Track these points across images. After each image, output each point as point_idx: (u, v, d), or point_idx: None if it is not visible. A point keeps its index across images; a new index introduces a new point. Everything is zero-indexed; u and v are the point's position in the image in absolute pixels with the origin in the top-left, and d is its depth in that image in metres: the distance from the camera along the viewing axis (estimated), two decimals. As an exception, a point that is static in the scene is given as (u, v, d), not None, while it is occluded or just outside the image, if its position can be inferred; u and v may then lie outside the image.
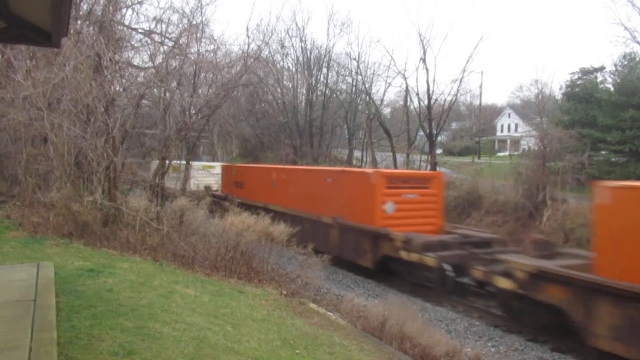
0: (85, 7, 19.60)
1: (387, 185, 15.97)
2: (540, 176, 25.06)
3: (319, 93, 48.95)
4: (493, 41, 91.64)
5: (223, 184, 28.53)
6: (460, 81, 36.21)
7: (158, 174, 16.84)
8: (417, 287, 14.84)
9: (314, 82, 48.56)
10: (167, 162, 20.07)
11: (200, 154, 43.28)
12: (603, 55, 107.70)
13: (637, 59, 36.94)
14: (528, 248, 13.54)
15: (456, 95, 37.60)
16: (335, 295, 13.65)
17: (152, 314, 6.90)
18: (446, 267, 13.53)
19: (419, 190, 16.41)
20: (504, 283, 11.80)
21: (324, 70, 49.04)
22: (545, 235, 17.99)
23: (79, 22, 17.29)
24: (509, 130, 71.44)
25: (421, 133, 39.02)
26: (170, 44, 20.21)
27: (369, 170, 17.10)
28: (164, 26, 21.93)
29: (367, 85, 44.26)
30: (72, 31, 13.92)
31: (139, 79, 18.01)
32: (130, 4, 21.08)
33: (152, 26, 22.17)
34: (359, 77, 44.75)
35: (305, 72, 48.55)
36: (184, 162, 29.41)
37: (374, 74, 45.42)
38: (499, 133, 73.92)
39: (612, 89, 38.01)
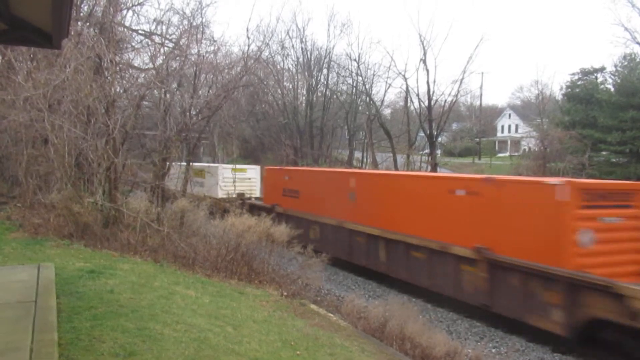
0: (85, 8, 19.64)
1: (583, 204, 10.71)
2: (540, 177, 25.06)
3: (319, 94, 49.03)
4: (493, 42, 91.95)
5: (267, 191, 23.93)
6: (461, 82, 36.35)
7: (159, 175, 16.83)
8: (417, 288, 14.78)
9: (314, 83, 48.65)
10: (187, 164, 21.51)
11: (201, 155, 43.23)
12: (603, 55, 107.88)
13: (638, 60, 36.96)
14: None
15: (456, 96, 37.72)
16: (336, 296, 13.65)
17: (153, 315, 6.91)
18: None
19: (621, 211, 11.18)
20: None
21: (324, 71, 49.18)
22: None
23: (79, 23, 17.30)
24: (509, 131, 71.43)
25: (422, 134, 39.06)
26: (171, 45, 20.20)
27: (551, 179, 11.85)
28: (164, 27, 21.95)
29: (367, 86, 44.38)
30: (72, 33, 13.93)
31: (139, 80, 18.02)
32: (130, 5, 21.11)
33: (153, 27, 22.19)
34: (359, 78, 44.87)
35: (306, 73, 48.62)
36: (212, 164, 28.59)
37: (374, 75, 45.54)
38: (499, 134, 73.91)
39: (612, 89, 38.04)
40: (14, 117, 14.13)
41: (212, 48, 21.84)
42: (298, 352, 7.27)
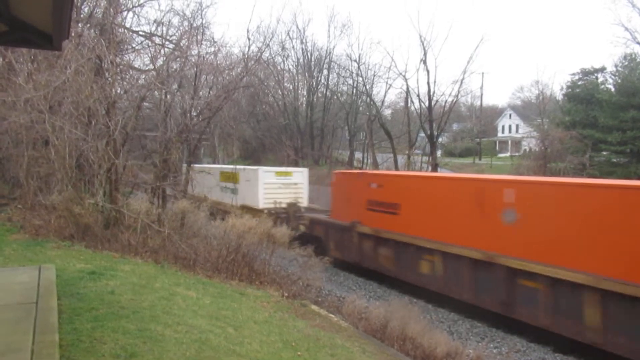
0: (86, 10, 19.65)
1: None
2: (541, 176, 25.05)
3: (319, 95, 49.06)
4: (493, 42, 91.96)
5: (336, 203, 18.47)
6: (461, 82, 36.36)
7: (159, 176, 16.82)
8: (419, 289, 14.79)
9: (314, 83, 48.66)
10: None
11: (201, 156, 43.18)
12: (604, 56, 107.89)
13: (638, 60, 36.94)
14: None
15: (457, 96, 37.72)
16: (336, 297, 13.65)
17: (154, 316, 6.90)
18: None
19: None
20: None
21: (325, 71, 49.19)
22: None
23: (80, 25, 17.32)
24: (510, 131, 71.41)
25: (422, 134, 39.05)
26: (171, 46, 20.22)
27: None
28: (164, 29, 21.97)
29: (367, 87, 44.39)
30: (73, 34, 13.94)
31: (139, 81, 18.02)
32: (131, 6, 21.12)
33: (153, 29, 22.20)
34: (360, 79, 44.86)
35: (306, 73, 48.63)
36: (249, 167, 26.71)
37: (374, 76, 45.54)
38: (499, 134, 73.90)
39: (612, 89, 38.04)
40: (14, 119, 14.14)
41: (213, 49, 21.83)
42: (299, 353, 7.27)
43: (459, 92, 37.51)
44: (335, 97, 49.19)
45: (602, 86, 39.64)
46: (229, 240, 12.43)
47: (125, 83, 17.89)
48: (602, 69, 40.93)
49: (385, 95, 58.51)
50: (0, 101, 15.03)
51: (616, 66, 38.93)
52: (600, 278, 9.52)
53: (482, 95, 60.82)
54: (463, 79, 36.26)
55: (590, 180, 17.22)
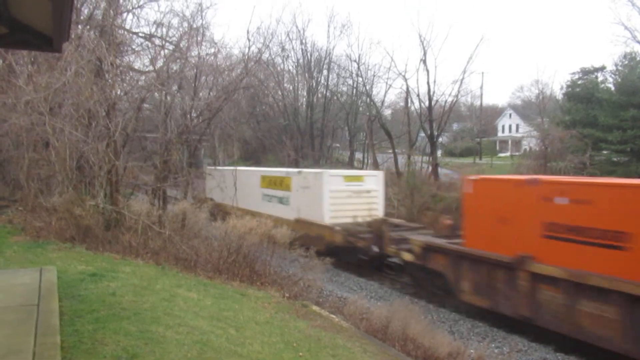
0: (86, 11, 19.66)
1: None
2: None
3: (319, 95, 49.05)
4: (493, 42, 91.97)
5: (477, 223, 12.85)
6: (461, 82, 36.37)
7: (160, 177, 16.83)
8: (420, 289, 14.80)
9: (314, 84, 48.66)
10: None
11: (201, 157, 43.16)
12: (604, 55, 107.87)
13: (638, 59, 36.93)
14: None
15: (457, 96, 37.73)
16: (337, 297, 13.66)
17: (155, 317, 6.90)
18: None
19: None
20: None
21: (325, 72, 49.18)
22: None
23: (79, 26, 17.33)
24: (510, 130, 71.40)
25: (422, 134, 39.05)
26: (171, 47, 20.23)
27: None
28: (164, 30, 21.97)
29: (367, 87, 44.37)
30: (73, 36, 13.95)
31: (140, 82, 18.03)
32: (130, 8, 21.12)
33: (153, 30, 22.21)
34: (360, 79, 44.86)
35: (306, 74, 48.65)
36: (310, 170, 22.26)
37: (374, 76, 45.56)
38: (500, 134, 73.89)
39: (613, 88, 38.02)
40: (15, 121, 14.15)
41: (213, 50, 21.85)
42: (300, 354, 7.27)
43: (459, 91, 37.58)
44: (335, 97, 49.21)
45: (602, 85, 39.61)
46: (229, 241, 12.42)
47: (125, 84, 17.91)
48: (602, 68, 40.91)
49: (385, 96, 58.61)
50: (0, 103, 15.04)
51: (616, 65, 38.95)
52: None
53: (482, 94, 60.85)
54: (463, 78, 36.33)
55: None
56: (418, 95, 38.50)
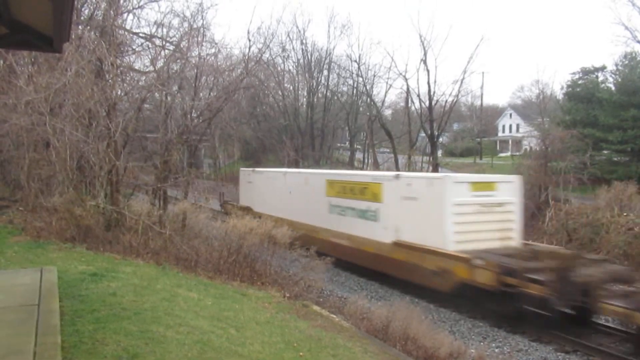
0: (86, 12, 19.67)
1: None
2: (542, 176, 25.08)
3: (320, 95, 49.05)
4: (494, 42, 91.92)
5: None
6: (461, 82, 36.30)
7: (160, 178, 16.84)
8: (421, 289, 14.75)
9: (315, 84, 48.66)
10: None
11: (202, 157, 43.13)
12: (604, 55, 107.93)
13: (638, 59, 36.91)
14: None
15: (457, 96, 37.69)
16: (338, 297, 13.65)
17: (156, 317, 6.90)
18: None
19: None
20: None
21: (325, 72, 49.18)
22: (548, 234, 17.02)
23: (80, 27, 17.33)
24: (510, 130, 71.37)
25: (422, 134, 39.04)
26: (171, 47, 20.23)
27: None
28: (164, 30, 21.97)
29: (368, 87, 44.36)
30: (73, 36, 13.96)
31: (140, 83, 18.04)
32: (131, 8, 21.13)
33: (153, 30, 22.21)
34: (360, 79, 44.85)
35: (306, 74, 48.66)
36: (419, 175, 18.41)
37: (374, 76, 45.52)
38: (500, 134, 73.85)
39: (613, 88, 38.00)
40: (15, 121, 14.16)
41: (213, 50, 21.85)
42: (301, 354, 7.27)
43: (459, 91, 37.54)
44: (335, 97, 49.23)
45: (603, 85, 39.61)
46: (230, 241, 12.43)
47: (125, 85, 17.92)
48: (603, 68, 40.90)
49: (385, 96, 58.57)
50: (1, 104, 15.05)
51: (616, 65, 38.92)
52: None
53: (482, 94, 60.83)
54: (463, 78, 36.28)
55: None
56: (418, 95, 38.51)
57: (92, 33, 17.70)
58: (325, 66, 49.01)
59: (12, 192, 18.28)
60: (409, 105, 40.23)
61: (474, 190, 13.65)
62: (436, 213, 13.39)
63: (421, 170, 34.88)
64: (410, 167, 34.25)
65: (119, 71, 16.24)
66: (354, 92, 47.73)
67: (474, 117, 68.31)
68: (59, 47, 5.82)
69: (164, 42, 21.16)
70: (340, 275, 16.92)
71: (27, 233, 12.61)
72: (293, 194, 20.15)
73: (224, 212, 22.53)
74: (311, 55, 49.22)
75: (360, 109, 47.29)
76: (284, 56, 49.08)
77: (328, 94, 48.63)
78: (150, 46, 21.17)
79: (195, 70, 20.86)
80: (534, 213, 22.88)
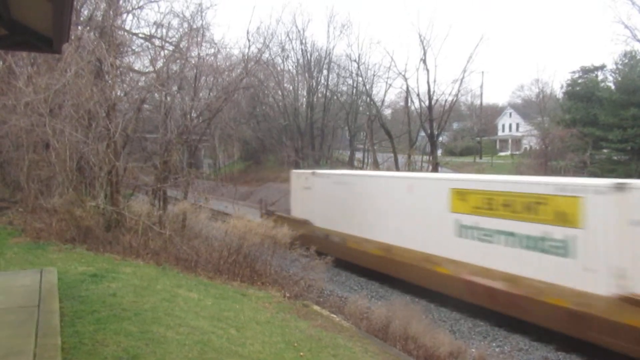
0: (86, 12, 19.64)
1: None
2: (542, 175, 25.11)
3: (319, 95, 49.03)
4: (493, 41, 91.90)
5: None
6: (461, 81, 36.25)
7: (160, 178, 16.83)
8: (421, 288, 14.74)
9: (314, 84, 48.64)
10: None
11: (201, 158, 43.09)
12: (604, 53, 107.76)
13: (638, 57, 36.91)
14: None
15: (457, 95, 37.64)
16: (338, 297, 13.65)
17: (156, 318, 6.90)
18: None
19: None
20: None
21: (325, 72, 49.15)
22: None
23: (79, 27, 17.32)
24: (510, 129, 71.36)
25: (422, 134, 39.03)
26: (171, 48, 20.22)
27: None
28: (164, 30, 21.96)
29: (367, 87, 44.33)
30: (73, 37, 13.96)
31: (140, 83, 18.03)
32: (130, 9, 21.12)
33: (153, 31, 22.20)
34: (360, 79, 44.82)
35: (306, 74, 48.63)
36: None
37: (374, 76, 45.48)
38: (500, 133, 73.84)
39: (613, 87, 38.01)
40: (15, 122, 14.16)
41: (213, 50, 21.82)
42: (301, 354, 7.27)
43: (459, 91, 37.49)
44: (335, 97, 49.21)
45: (603, 84, 39.61)
46: (230, 241, 12.43)
47: (125, 85, 17.91)
48: (602, 67, 40.91)
49: (385, 95, 58.54)
50: (0, 104, 15.04)
51: (616, 64, 38.89)
52: None
53: (482, 94, 60.87)
54: (463, 78, 36.23)
55: None
56: (418, 95, 38.48)
57: (92, 34, 17.70)
58: (325, 66, 49.02)
59: (11, 193, 18.27)
60: (409, 104, 40.22)
61: None
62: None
63: (421, 169, 34.88)
64: (410, 166, 34.24)
65: (118, 72, 16.24)
66: (354, 91, 47.71)
67: (474, 117, 68.29)
68: (59, 48, 5.82)
69: (163, 43, 21.15)
70: (340, 275, 16.92)
71: (27, 234, 12.60)
72: (383, 207, 15.63)
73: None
74: (311, 55, 49.24)
75: (360, 108, 47.27)
76: (283, 56, 49.10)
77: (328, 93, 48.63)
78: (149, 46, 21.16)
79: (195, 71, 20.85)
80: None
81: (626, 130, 32.81)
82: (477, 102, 64.21)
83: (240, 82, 22.90)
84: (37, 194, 14.84)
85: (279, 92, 47.56)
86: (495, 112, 77.52)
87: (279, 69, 48.21)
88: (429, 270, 13.53)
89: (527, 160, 28.09)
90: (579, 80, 40.59)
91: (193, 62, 20.10)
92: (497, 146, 69.33)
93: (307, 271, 13.44)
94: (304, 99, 50.02)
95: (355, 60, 44.43)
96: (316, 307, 10.68)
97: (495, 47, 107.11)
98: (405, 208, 14.79)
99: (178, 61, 19.35)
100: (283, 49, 48.29)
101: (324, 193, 18.60)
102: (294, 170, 22.55)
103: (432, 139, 36.10)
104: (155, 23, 21.85)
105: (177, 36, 21.54)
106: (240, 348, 6.72)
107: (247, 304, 9.46)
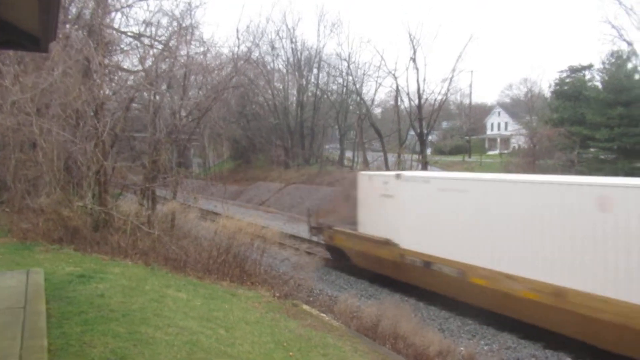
0: (73, 11, 19.45)
1: None
2: (530, 174, 25.25)
3: (309, 94, 48.99)
4: (483, 40, 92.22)
5: None
6: (450, 80, 36.41)
7: (149, 177, 16.72)
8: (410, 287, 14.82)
9: (304, 83, 48.59)
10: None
11: (191, 157, 42.88)
12: (592, 53, 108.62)
13: (625, 57, 37.28)
14: None
15: (446, 94, 37.79)
16: (328, 296, 13.66)
17: (144, 318, 6.87)
18: None
19: None
20: None
21: (315, 71, 49.13)
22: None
23: (67, 26, 17.16)
24: (499, 129, 71.79)
25: (412, 133, 39.15)
26: (160, 46, 20.08)
27: None
28: (153, 29, 21.79)
29: (357, 86, 44.36)
30: (60, 35, 13.83)
31: (128, 82, 17.90)
32: (119, 7, 20.94)
33: (142, 29, 22.03)
34: (350, 78, 44.85)
35: (296, 73, 48.58)
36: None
37: (364, 74, 45.52)
38: (489, 132, 74.25)
39: (600, 86, 38.35)
40: (1, 121, 14.00)
41: (202, 49, 21.71)
42: (291, 353, 7.28)
43: (448, 90, 37.69)
44: (325, 96, 49.20)
45: (590, 83, 39.96)
46: (219, 241, 12.40)
47: (113, 84, 17.77)
48: (590, 67, 41.27)
49: (375, 94, 58.67)
50: (-14, 104, 14.87)
51: (603, 63, 39.26)
52: None
53: (471, 93, 61.18)
54: (452, 77, 36.42)
55: None
56: (408, 94, 38.60)
57: (80, 32, 17.54)
58: (315, 65, 49.00)
59: (-2, 193, 18.07)
60: (399, 103, 40.32)
61: None
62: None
63: (410, 168, 34.99)
64: (400, 165, 34.34)
65: (106, 70, 16.12)
66: (344, 90, 47.74)
67: (463, 116, 68.62)
68: (46, 47, 5.77)
69: (152, 41, 21.02)
70: (330, 274, 16.94)
71: (13, 235, 12.47)
72: (544, 229, 10.74)
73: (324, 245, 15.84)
74: (301, 54, 49.19)
75: (350, 107, 47.31)
76: (273, 54, 49.00)
77: (318, 92, 48.61)
78: (138, 45, 21.02)
79: (184, 69, 20.74)
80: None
81: (613, 129, 33.11)
82: (467, 101, 64.55)
83: (229, 80, 22.81)
84: (24, 194, 14.68)
85: (269, 91, 47.48)
86: (484, 111, 77.93)
87: (268, 67, 48.15)
88: None
89: (515, 159, 28.29)
90: (567, 80, 40.92)
91: (182, 60, 20.00)
92: (486, 145, 69.72)
93: (297, 270, 13.44)
94: (294, 98, 49.98)
95: (345, 59, 44.48)
96: (306, 307, 10.69)
97: (484, 47, 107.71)
98: (593, 233, 9.76)
99: (167, 60, 19.23)
100: (273, 48, 48.23)
101: (421, 203, 13.89)
102: (362, 172, 18.19)
103: (422, 137, 36.23)
104: (144, 21, 21.74)
105: (166, 35, 21.43)
106: (229, 348, 6.71)
107: (237, 304, 9.43)
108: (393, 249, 14.22)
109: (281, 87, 49.77)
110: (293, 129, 46.70)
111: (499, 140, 66.91)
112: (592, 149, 35.64)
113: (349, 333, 9.44)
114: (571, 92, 38.49)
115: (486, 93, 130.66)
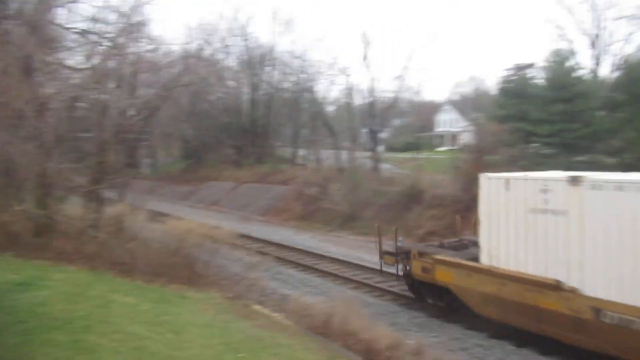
0: (15, 5, 18.63)
1: None
2: (477, 169, 26.01)
3: (262, 92, 48.71)
4: (434, 39, 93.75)
5: None
6: (401, 79, 37.07)
7: (95, 179, 16.23)
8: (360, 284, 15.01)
9: (257, 81, 48.28)
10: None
11: (141, 157, 41.86)
12: (538, 52, 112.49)
13: (565, 55, 38.85)
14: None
15: (398, 92, 38.43)
16: (280, 295, 13.69)
17: (88, 325, 6.73)
18: None
19: None
20: None
21: (268, 69, 48.86)
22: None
23: (7, 21, 16.43)
24: (450, 125, 73.50)
25: (365, 130, 39.62)
26: (108, 44, 19.50)
27: None
28: (100, 25, 21.13)
29: (311, 84, 44.43)
30: (-2, 32, 13.27)
31: (73, 80, 17.31)
32: (64, 2, 20.18)
33: (88, 26, 21.32)
34: (303, 76, 44.86)
35: (249, 70, 48.20)
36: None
37: (318, 73, 45.61)
38: (439, 128, 75.91)
39: (543, 84, 39.80)
40: None
41: (151, 46, 21.23)
42: (241, 355, 7.29)
43: (399, 88, 38.34)
44: (278, 94, 49.03)
45: (534, 81, 41.37)
46: (168, 242, 12.22)
47: (57, 83, 17.15)
48: (533, 65, 42.74)
49: (328, 92, 58.83)
50: None
51: (546, 61, 40.78)
52: None
53: (421, 91, 62.34)
54: (403, 75, 37.13)
55: None
56: (360, 92, 39.01)
57: (21, 28, 16.82)
58: (268, 62, 48.71)
59: None
60: (351, 101, 40.68)
61: None
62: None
63: (363, 165, 35.35)
64: (352, 163, 34.66)
65: (50, 68, 15.54)
66: (297, 88, 47.73)
67: (414, 113, 69.90)
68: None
69: (99, 38, 20.39)
70: (282, 273, 16.97)
71: (-53, 242, 11.89)
72: None
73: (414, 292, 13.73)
74: (253, 52, 48.79)
75: (304, 105, 47.36)
76: (225, 52, 48.41)
77: (271, 90, 48.39)
78: (84, 42, 20.34)
79: (133, 67, 20.25)
80: (468, 205, 23.67)
81: (554, 125, 34.44)
82: (417, 99, 65.74)
83: (179, 78, 22.45)
84: (-40, 199, 14.01)
85: (221, 89, 46.91)
86: (435, 108, 79.61)
87: (219, 66, 47.54)
88: None
89: (463, 155, 29.10)
90: (513, 77, 42.27)
91: (131, 58, 19.51)
92: (436, 142, 71.24)
93: (249, 270, 13.41)
94: (247, 96, 49.57)
95: (298, 57, 44.47)
96: (257, 307, 10.71)
97: (435, 45, 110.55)
98: None
99: (115, 57, 18.71)
100: (225, 45, 47.66)
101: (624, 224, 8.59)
102: (489, 174, 11.75)
103: (374, 135, 36.72)
104: (92, 18, 21.04)
105: (114, 31, 20.83)
106: (177, 352, 6.67)
107: (186, 307, 9.36)
108: (570, 298, 9.32)
109: (234, 85, 49.29)
110: (245, 127, 46.35)
111: (447, 136, 68.50)
112: (535, 144, 36.95)
113: (300, 331, 9.52)
114: (516, 90, 39.74)
115: (437, 91, 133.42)
